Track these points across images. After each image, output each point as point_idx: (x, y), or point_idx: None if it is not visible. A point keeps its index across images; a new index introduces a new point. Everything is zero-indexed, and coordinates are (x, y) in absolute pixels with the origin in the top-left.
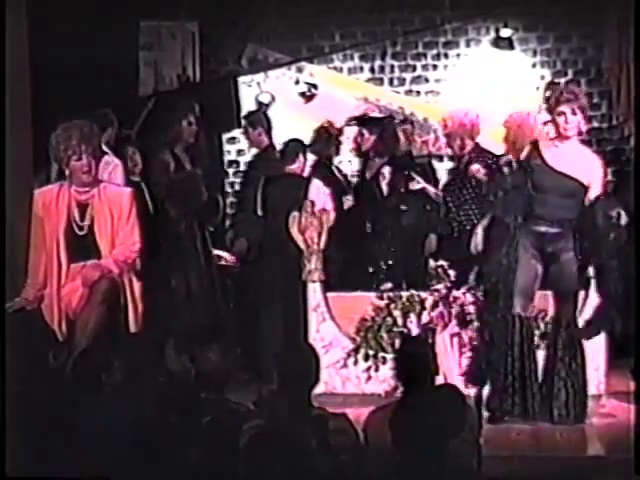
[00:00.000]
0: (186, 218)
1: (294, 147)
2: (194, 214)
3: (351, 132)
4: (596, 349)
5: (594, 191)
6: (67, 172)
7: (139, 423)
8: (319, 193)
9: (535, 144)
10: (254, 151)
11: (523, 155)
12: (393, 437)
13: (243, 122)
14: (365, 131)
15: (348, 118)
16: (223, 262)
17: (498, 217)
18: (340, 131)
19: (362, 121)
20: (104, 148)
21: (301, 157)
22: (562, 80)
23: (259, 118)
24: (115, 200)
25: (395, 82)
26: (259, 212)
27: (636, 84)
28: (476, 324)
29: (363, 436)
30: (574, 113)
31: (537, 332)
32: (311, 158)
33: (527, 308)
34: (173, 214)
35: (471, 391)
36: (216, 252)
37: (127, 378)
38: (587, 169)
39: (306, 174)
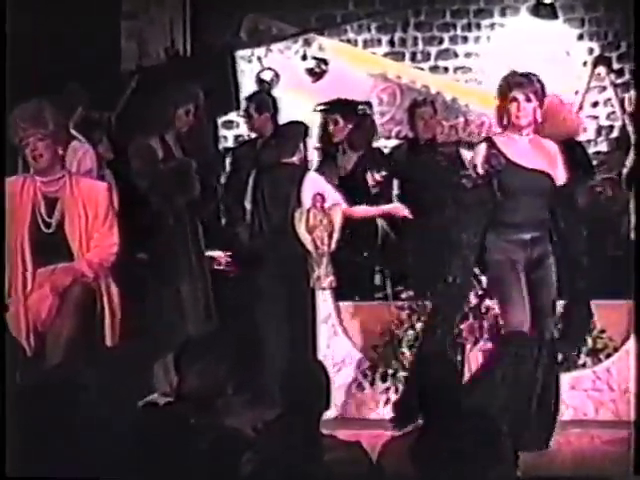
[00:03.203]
0: (175, 213)
1: (295, 134)
2: (185, 208)
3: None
4: None
5: (560, 178)
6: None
7: (118, 453)
8: (318, 188)
9: (489, 140)
10: (250, 137)
11: (479, 158)
12: (415, 469)
13: (245, 105)
14: (340, 119)
15: (317, 104)
16: (217, 265)
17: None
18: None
19: (336, 107)
20: (72, 132)
21: (302, 146)
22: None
23: (265, 100)
24: (90, 196)
25: (418, 57)
26: (248, 206)
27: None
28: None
29: (380, 468)
30: (528, 100)
31: None
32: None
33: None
34: (160, 208)
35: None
36: (209, 253)
37: (103, 400)
38: (549, 157)
39: (304, 164)
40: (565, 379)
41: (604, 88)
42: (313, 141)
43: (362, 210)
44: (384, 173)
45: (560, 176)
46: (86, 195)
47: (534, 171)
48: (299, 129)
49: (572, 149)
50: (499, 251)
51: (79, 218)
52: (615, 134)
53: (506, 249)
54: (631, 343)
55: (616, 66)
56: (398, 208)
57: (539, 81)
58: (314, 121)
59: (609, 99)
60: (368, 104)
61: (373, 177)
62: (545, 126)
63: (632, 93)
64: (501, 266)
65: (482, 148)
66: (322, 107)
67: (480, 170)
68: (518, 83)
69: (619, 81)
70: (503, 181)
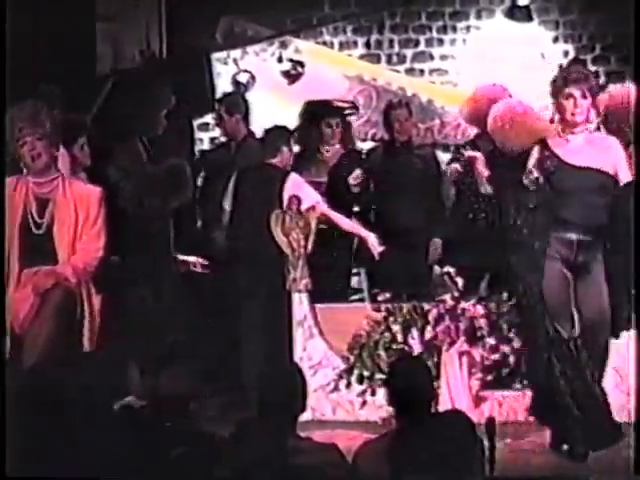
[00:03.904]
0: (160, 217)
1: (278, 136)
2: (172, 212)
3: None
4: None
5: (623, 176)
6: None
7: (94, 455)
8: (297, 189)
9: (542, 142)
10: (224, 140)
11: (532, 161)
12: (391, 471)
13: (217, 107)
14: (333, 121)
15: (308, 103)
16: (193, 268)
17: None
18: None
19: (330, 110)
20: None
21: (285, 148)
22: (588, 57)
23: (237, 102)
24: (82, 199)
25: (394, 59)
26: (227, 208)
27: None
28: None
29: (356, 470)
30: (584, 96)
31: None
32: (296, 148)
33: (568, 327)
34: (149, 211)
35: (482, 419)
36: (181, 257)
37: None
38: (607, 154)
39: (288, 167)
40: None
41: None
42: (305, 142)
43: (338, 219)
44: (360, 172)
45: (623, 174)
46: (78, 198)
47: (587, 169)
48: (282, 132)
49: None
50: (550, 248)
51: (69, 220)
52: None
53: (553, 246)
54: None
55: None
56: (372, 240)
57: (594, 77)
58: (297, 122)
59: None
60: (355, 107)
61: (356, 176)
62: (511, 133)
63: (606, 95)
64: (549, 264)
65: (535, 151)
66: (317, 109)
67: (535, 173)
68: (574, 79)
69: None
70: (555, 182)
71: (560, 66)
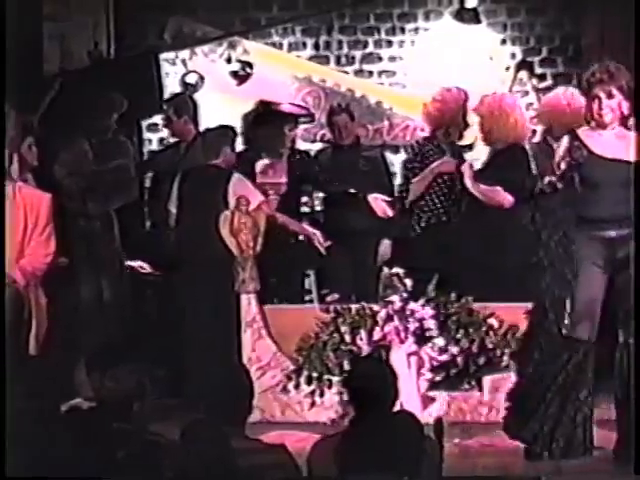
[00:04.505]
0: (104, 217)
1: (219, 137)
2: (115, 213)
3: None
4: None
5: None
6: None
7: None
8: (242, 190)
9: (573, 133)
10: (173, 141)
11: (561, 149)
12: (339, 471)
13: (165, 108)
14: (293, 125)
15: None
16: (139, 269)
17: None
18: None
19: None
20: None
21: (227, 149)
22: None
23: (185, 103)
24: (33, 205)
25: (343, 60)
26: (172, 210)
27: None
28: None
29: (307, 470)
30: (610, 96)
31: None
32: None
33: (591, 331)
34: (92, 212)
35: (431, 419)
36: (130, 263)
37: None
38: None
39: (230, 167)
40: (487, 382)
41: (526, 93)
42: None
43: (285, 219)
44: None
45: None
46: (29, 203)
47: (617, 161)
48: (224, 132)
49: (515, 153)
50: (582, 248)
51: (18, 224)
52: (537, 138)
53: (588, 246)
54: None
55: (538, 71)
56: (317, 237)
57: (625, 72)
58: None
59: (531, 104)
60: (311, 114)
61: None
62: (500, 122)
63: (547, 98)
64: (581, 264)
65: (565, 141)
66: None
67: (562, 165)
68: (599, 80)
69: (541, 85)
70: (584, 174)
71: (588, 65)
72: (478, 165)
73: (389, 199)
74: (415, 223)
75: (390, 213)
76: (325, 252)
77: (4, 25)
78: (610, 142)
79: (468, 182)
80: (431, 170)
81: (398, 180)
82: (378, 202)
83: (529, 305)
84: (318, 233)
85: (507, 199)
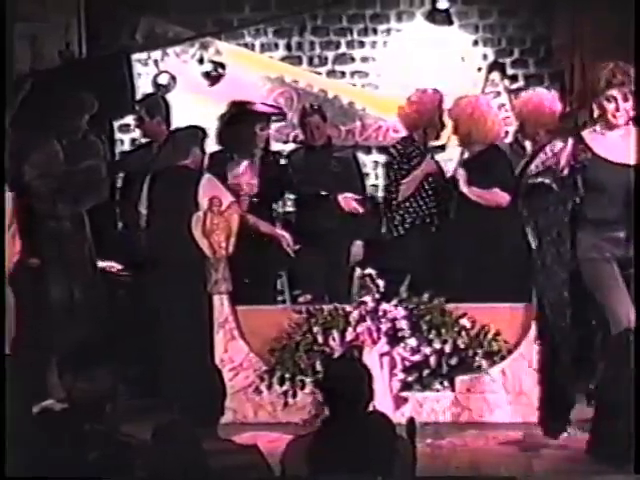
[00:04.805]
0: (75, 218)
1: (187, 137)
2: (87, 213)
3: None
4: None
5: None
6: None
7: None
8: (213, 190)
9: (578, 135)
10: (145, 141)
11: (565, 153)
12: (310, 471)
13: (137, 108)
14: (266, 125)
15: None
16: (111, 270)
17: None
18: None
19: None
20: None
21: (196, 149)
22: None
23: (157, 104)
24: None
25: (315, 61)
26: (143, 211)
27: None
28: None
29: (280, 471)
30: (626, 99)
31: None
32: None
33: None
34: (62, 213)
35: (403, 419)
36: (102, 264)
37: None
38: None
39: (200, 167)
40: (460, 382)
41: (498, 93)
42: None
43: (255, 221)
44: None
45: None
46: None
47: (622, 165)
48: (193, 132)
49: (496, 154)
50: (592, 249)
51: None
52: (509, 139)
53: (600, 247)
54: (523, 346)
55: (510, 72)
56: (286, 239)
57: (635, 76)
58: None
59: (503, 104)
60: (283, 114)
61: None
62: (478, 124)
63: (522, 99)
64: (596, 264)
65: (569, 144)
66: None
67: (566, 168)
68: (620, 82)
69: (513, 87)
70: (588, 176)
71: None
72: (452, 165)
73: (359, 197)
74: (399, 224)
75: (360, 210)
76: (294, 255)
77: (4, 27)
78: (615, 144)
79: (464, 188)
80: (421, 171)
81: (383, 181)
82: (347, 200)
83: (507, 305)
84: (287, 236)
85: (505, 198)
